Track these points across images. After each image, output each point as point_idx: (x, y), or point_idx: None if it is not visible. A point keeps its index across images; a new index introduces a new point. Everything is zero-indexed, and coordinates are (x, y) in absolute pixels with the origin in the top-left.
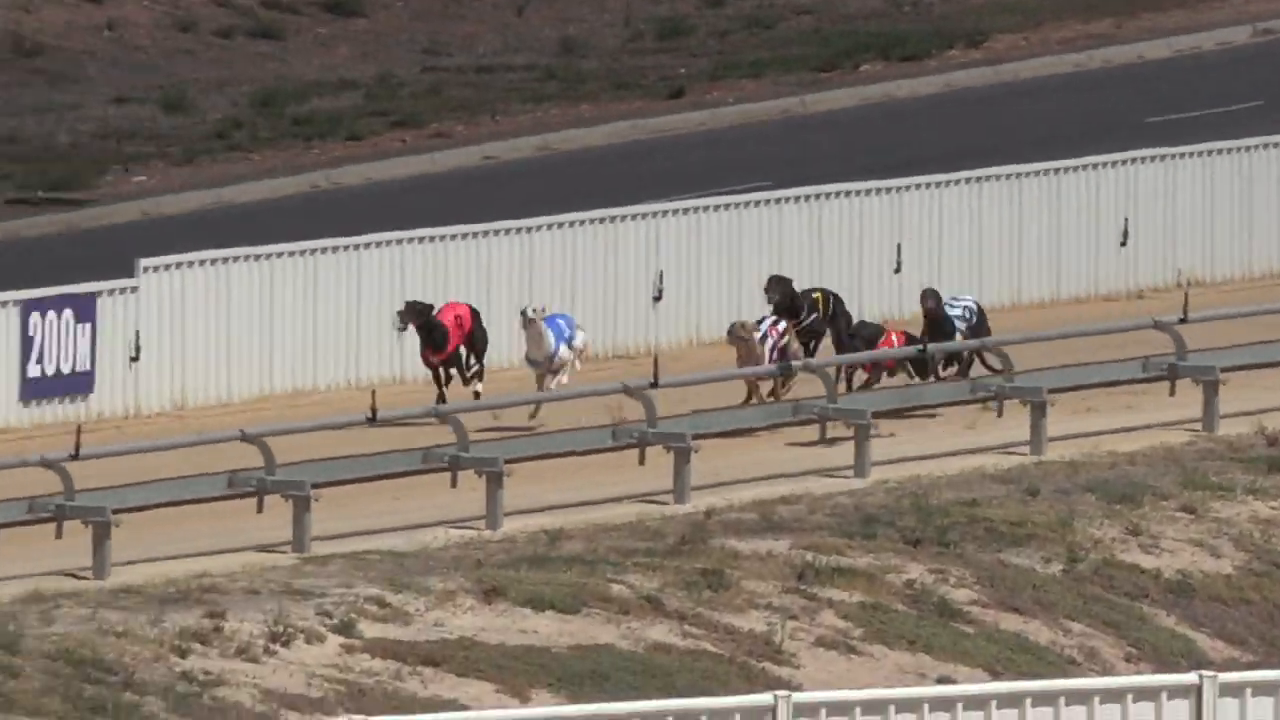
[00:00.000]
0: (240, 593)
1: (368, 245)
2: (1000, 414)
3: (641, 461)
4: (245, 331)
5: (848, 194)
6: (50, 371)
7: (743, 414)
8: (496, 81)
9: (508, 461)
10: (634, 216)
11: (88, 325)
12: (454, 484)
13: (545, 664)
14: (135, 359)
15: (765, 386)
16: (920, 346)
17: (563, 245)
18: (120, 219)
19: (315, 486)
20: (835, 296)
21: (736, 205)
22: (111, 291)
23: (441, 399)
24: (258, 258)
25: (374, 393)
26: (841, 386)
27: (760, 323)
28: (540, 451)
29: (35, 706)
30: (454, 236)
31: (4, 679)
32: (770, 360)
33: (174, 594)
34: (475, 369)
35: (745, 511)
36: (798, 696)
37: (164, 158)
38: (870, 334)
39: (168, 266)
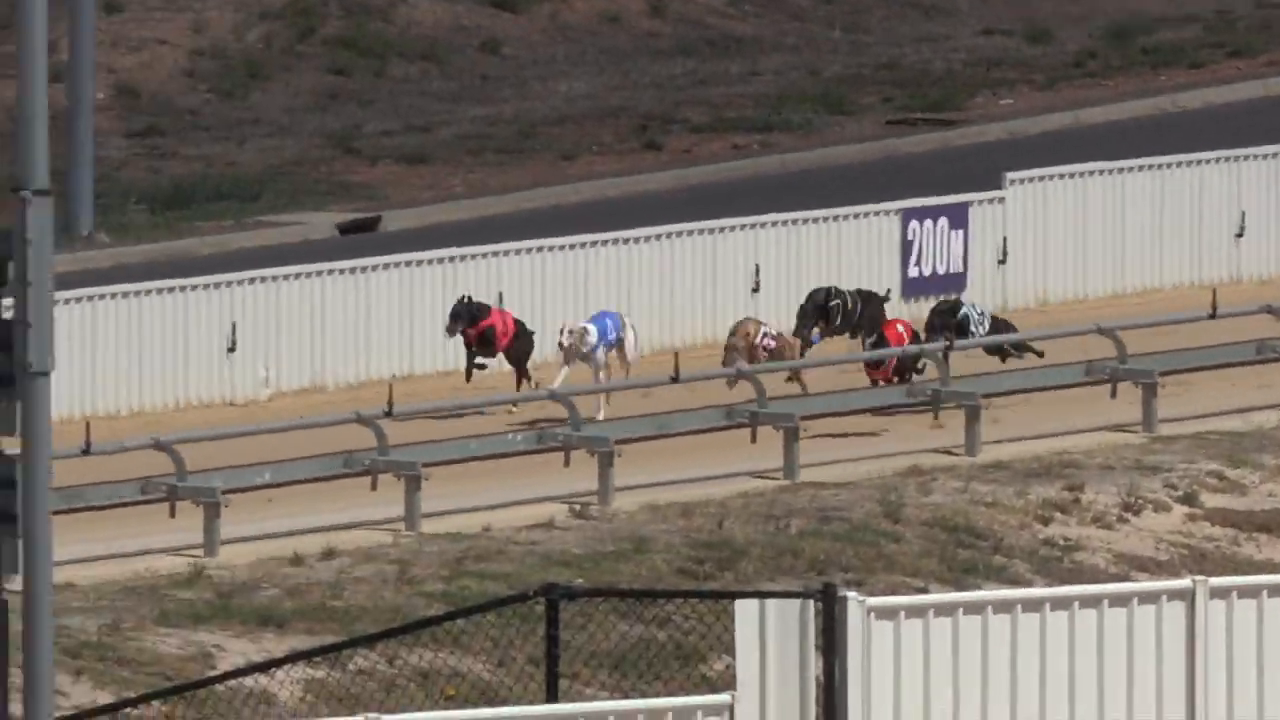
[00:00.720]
0: (1096, 468)
1: (1212, 162)
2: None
3: None
4: (1099, 238)
5: None
6: (927, 272)
7: None
8: None
9: None
10: None
11: (960, 232)
12: None
13: None
14: (1002, 262)
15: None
16: (948, 344)
17: None
18: (988, 137)
19: (1163, 374)
20: (872, 297)
21: None
22: (981, 201)
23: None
24: (1110, 172)
25: (1215, 291)
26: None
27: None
28: None
29: (915, 568)
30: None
31: (888, 543)
32: (763, 359)
33: (1037, 469)
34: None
35: None
36: None
37: (1027, 83)
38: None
39: (1031, 179)
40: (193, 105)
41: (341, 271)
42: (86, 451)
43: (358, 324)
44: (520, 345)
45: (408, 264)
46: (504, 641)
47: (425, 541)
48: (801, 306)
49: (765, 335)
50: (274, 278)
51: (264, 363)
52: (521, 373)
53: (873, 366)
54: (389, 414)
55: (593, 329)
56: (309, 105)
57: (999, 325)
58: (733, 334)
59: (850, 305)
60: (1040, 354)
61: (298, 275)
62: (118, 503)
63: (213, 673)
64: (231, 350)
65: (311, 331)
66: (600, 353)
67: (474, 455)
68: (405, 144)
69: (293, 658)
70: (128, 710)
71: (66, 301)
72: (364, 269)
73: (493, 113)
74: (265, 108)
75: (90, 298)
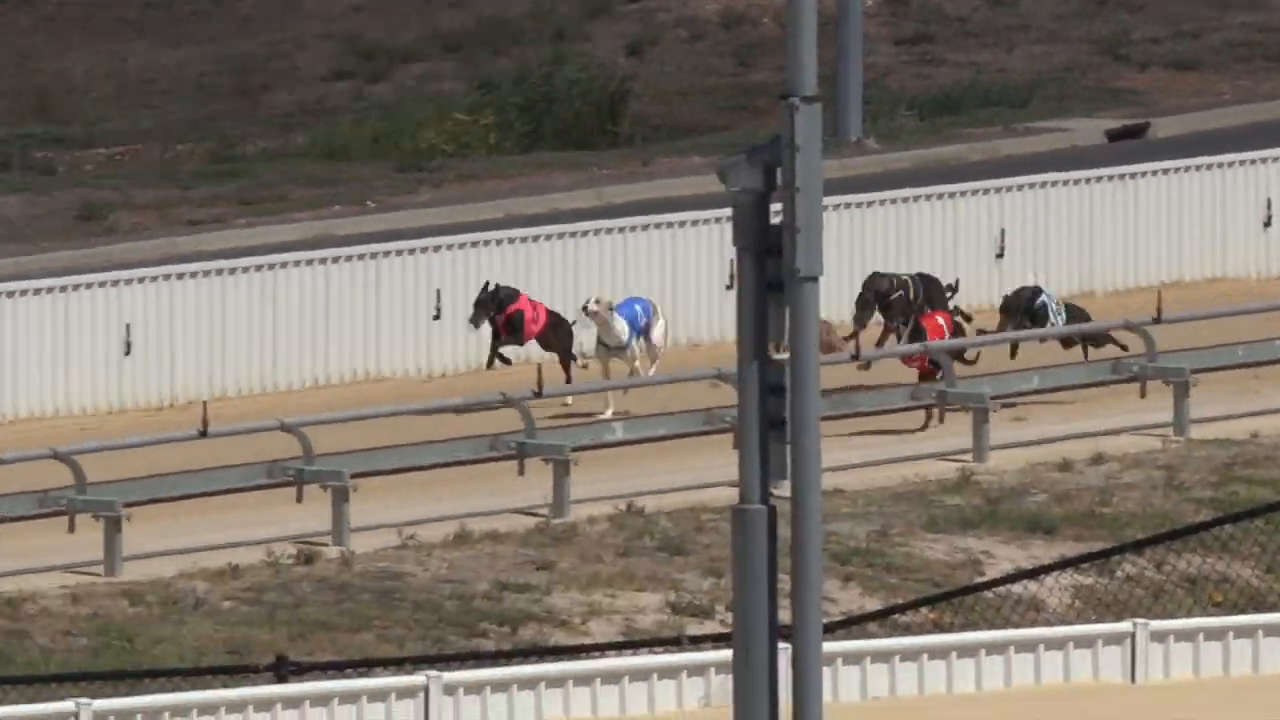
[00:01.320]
0: None
1: None
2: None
3: None
4: None
5: None
6: None
7: None
8: None
9: None
10: None
11: None
12: None
13: None
14: None
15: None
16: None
17: None
18: None
19: None
20: (929, 280)
21: None
22: None
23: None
24: None
25: None
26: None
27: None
28: None
29: None
30: None
31: None
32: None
33: None
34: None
35: None
36: None
37: None
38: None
39: None
40: (962, 12)
41: (1109, 178)
42: (856, 357)
43: (1125, 230)
44: (558, 335)
45: (1175, 170)
46: (1272, 547)
47: (1194, 447)
48: (860, 295)
49: None
50: (1042, 184)
51: (1031, 269)
52: (566, 363)
53: (911, 355)
54: (1157, 320)
55: (622, 321)
56: (1078, 11)
57: (1075, 315)
58: None
59: (914, 294)
60: (1124, 347)
61: (1066, 182)
62: (886, 409)
63: (980, 579)
64: (999, 256)
65: (1080, 238)
66: (634, 344)
67: (1240, 362)
68: (1174, 50)
69: (1061, 564)
70: (895, 616)
71: (836, 207)
72: (1132, 175)
73: (1263, 19)
74: (1035, 14)
75: (859, 204)
